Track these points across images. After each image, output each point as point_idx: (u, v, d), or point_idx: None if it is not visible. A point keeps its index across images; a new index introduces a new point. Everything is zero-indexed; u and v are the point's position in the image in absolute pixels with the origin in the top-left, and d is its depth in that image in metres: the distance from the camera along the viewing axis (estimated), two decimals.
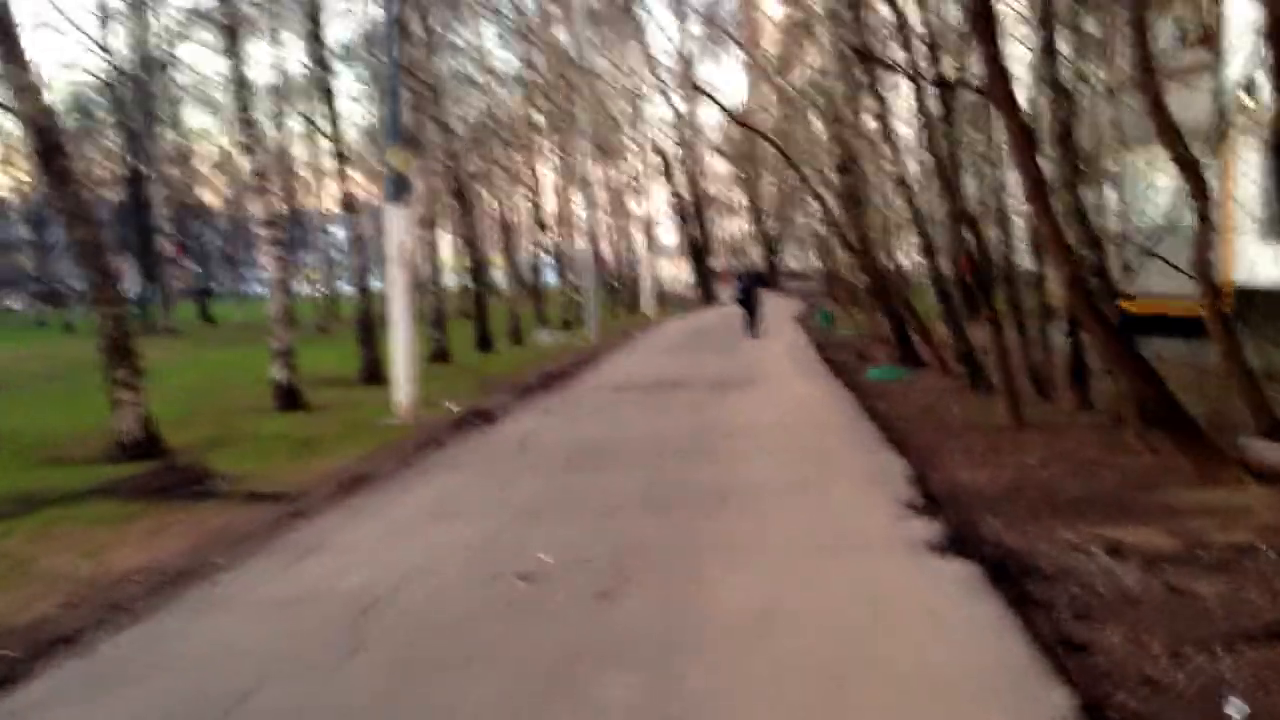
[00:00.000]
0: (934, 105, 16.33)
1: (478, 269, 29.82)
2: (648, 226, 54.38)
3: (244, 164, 17.42)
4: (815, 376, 20.90)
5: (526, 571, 7.59)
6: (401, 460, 12.61)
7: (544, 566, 7.75)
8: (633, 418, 15.56)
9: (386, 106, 15.97)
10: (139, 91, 41.69)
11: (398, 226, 15.73)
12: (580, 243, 36.36)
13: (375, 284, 22.60)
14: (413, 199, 17.42)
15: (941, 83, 15.55)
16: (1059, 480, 10.42)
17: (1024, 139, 10.52)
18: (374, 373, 21.10)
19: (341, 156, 22.43)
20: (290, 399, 17.24)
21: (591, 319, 33.17)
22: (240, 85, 17.12)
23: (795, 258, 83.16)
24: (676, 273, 79.38)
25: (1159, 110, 10.21)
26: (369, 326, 21.36)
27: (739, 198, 76.39)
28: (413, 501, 10.40)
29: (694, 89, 55.07)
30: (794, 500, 9.81)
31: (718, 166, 72.25)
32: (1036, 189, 10.60)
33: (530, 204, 38.87)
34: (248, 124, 17.43)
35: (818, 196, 24.09)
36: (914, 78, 16.12)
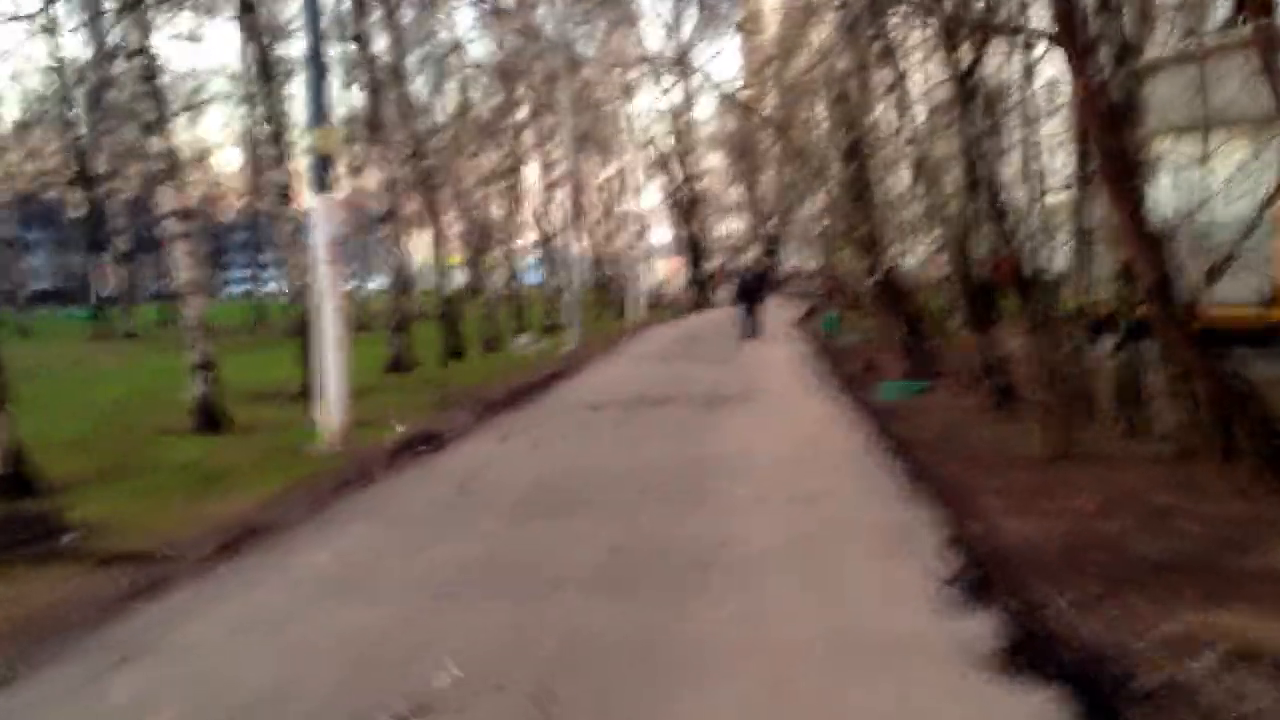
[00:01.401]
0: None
1: (444, 271, 27.42)
2: (639, 225, 51.99)
3: (152, 144, 14.97)
4: (819, 392, 18.52)
5: (417, 703, 5.25)
6: (313, 503, 10.25)
7: (441, 693, 5.40)
8: (605, 447, 13.17)
9: (309, 79, 13.59)
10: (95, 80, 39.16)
11: (325, 219, 13.38)
12: (564, 242, 33.76)
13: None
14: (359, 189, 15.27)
15: (985, 28, 12.84)
16: (1130, 535, 8.28)
17: (1100, 103, 8.20)
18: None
19: (278, 138, 19.96)
20: (209, 419, 14.91)
21: (574, 324, 30.70)
22: (141, 53, 14.73)
23: (794, 258, 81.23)
24: (670, 273, 77.34)
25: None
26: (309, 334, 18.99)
27: (736, 195, 74.44)
28: (304, 568, 8.03)
29: (684, 66, 52.73)
30: (798, 575, 7.45)
31: (714, 163, 70.18)
32: (1115, 168, 8.26)
33: (511, 199, 36.33)
34: (153, 96, 15.12)
35: (824, 188, 21.52)
36: (947, 25, 13.29)
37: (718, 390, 18.55)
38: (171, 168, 15.35)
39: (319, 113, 13.50)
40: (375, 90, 23.01)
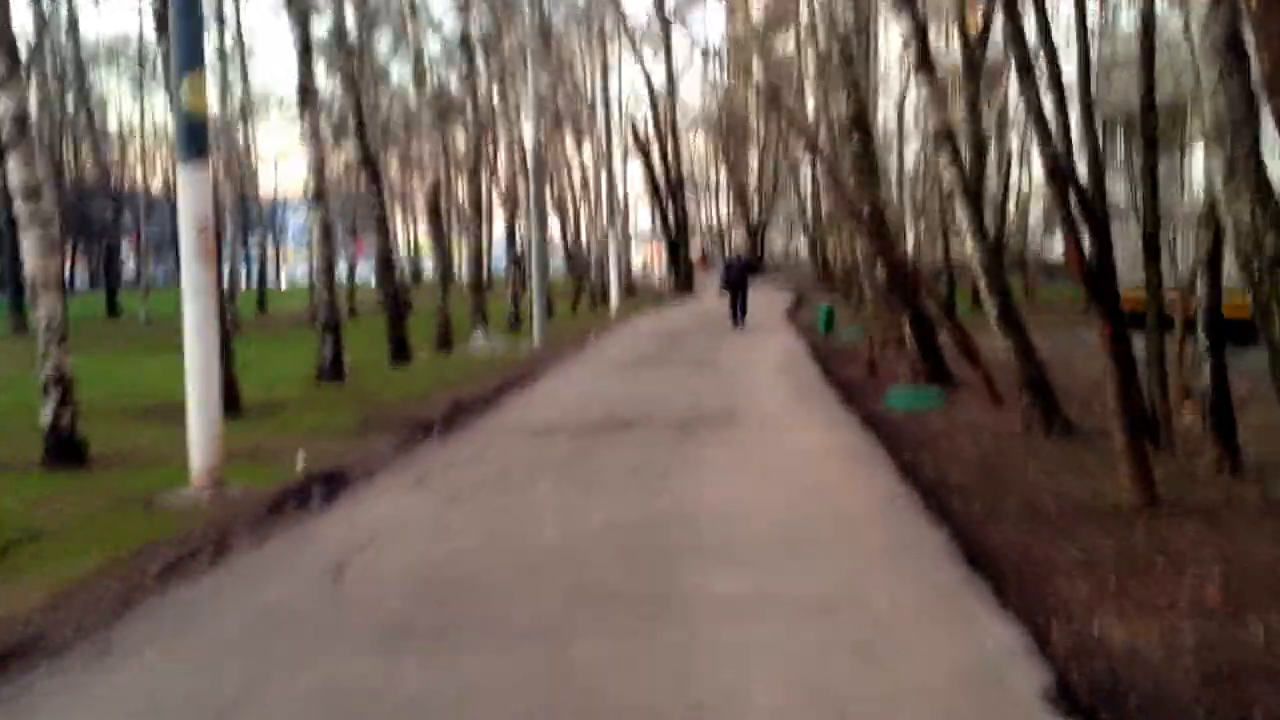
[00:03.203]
0: None
1: (387, 258, 24.11)
2: (615, 209, 48.89)
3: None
4: (821, 407, 15.47)
5: None
6: (118, 603, 7.09)
7: None
8: (542, 501, 9.87)
9: (174, 6, 10.36)
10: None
11: (194, 196, 10.22)
12: (530, 227, 30.48)
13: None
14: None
15: None
16: None
17: None
18: (229, 398, 15.65)
19: None
20: (62, 449, 11.76)
21: (538, 320, 27.45)
22: None
23: (782, 244, 78.94)
24: (651, 260, 74.65)
25: None
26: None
27: (720, 178, 71.97)
28: None
29: (666, 35, 49.66)
30: None
31: (697, 145, 67.48)
32: None
33: (476, 181, 32.99)
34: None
35: (825, 165, 18.36)
36: None
37: (697, 407, 15.45)
38: (20, 132, 12.13)
39: (188, 55, 10.30)
40: (306, 49, 19.77)
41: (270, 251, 75.95)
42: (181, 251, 10.28)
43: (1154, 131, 11.01)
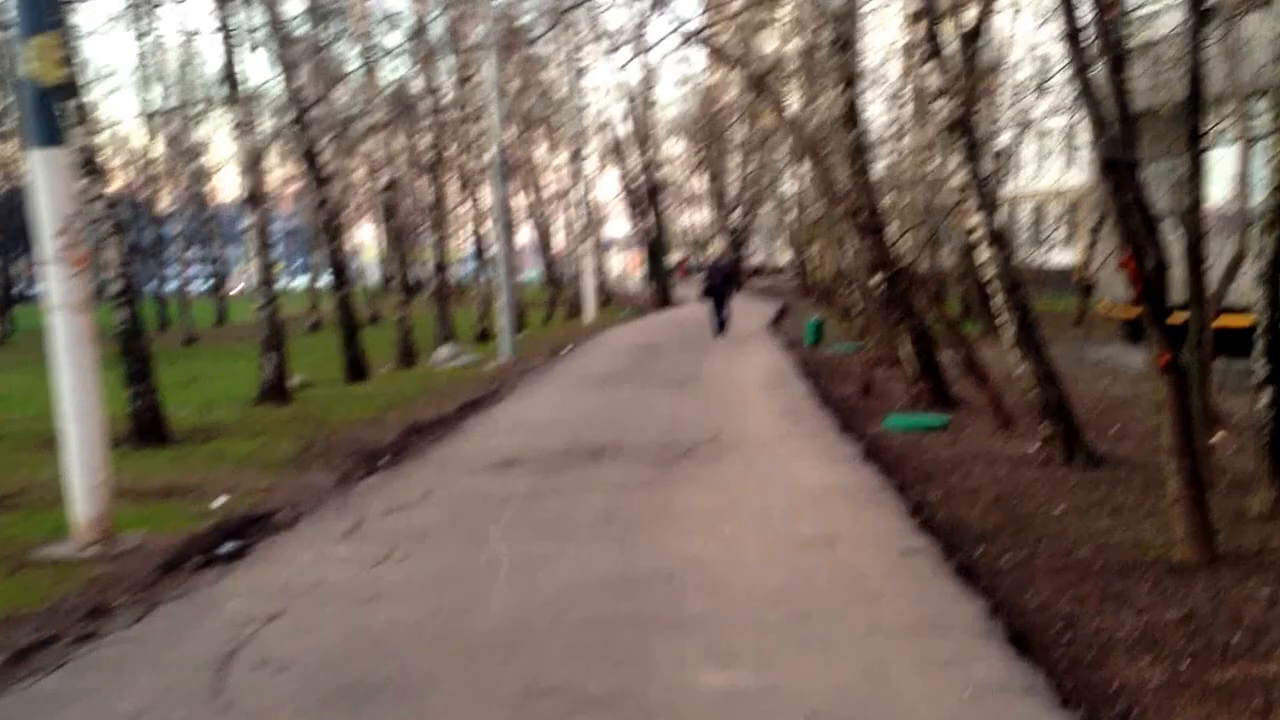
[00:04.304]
0: None
1: (340, 268, 22.41)
2: (590, 216, 47.25)
3: None
4: (815, 433, 13.83)
5: None
6: None
7: None
8: (496, 558, 8.11)
9: None
10: None
11: (52, 191, 8.54)
12: (496, 235, 28.73)
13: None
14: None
15: None
16: None
17: None
18: (152, 425, 14.03)
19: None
20: None
21: (506, 333, 25.72)
22: None
23: (762, 251, 77.59)
24: (627, 268, 73.09)
25: None
26: (137, 353, 14.17)
27: (699, 185, 70.28)
28: None
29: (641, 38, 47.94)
30: None
31: (675, 150, 65.80)
32: None
33: (438, 185, 31.25)
34: None
35: (814, 161, 16.71)
36: None
37: (678, 432, 13.81)
38: None
39: (37, 13, 8.60)
40: (226, 31, 18.01)
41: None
42: (41, 258, 8.58)
43: (1198, 129, 9.51)
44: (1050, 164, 39.51)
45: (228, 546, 8.48)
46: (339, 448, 13.35)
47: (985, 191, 12.38)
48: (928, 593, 7.02)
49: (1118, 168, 7.61)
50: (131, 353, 14.12)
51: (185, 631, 6.64)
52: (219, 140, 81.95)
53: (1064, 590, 6.94)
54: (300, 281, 58.67)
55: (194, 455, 13.05)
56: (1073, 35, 7.70)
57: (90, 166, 13.89)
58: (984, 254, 12.15)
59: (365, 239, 64.84)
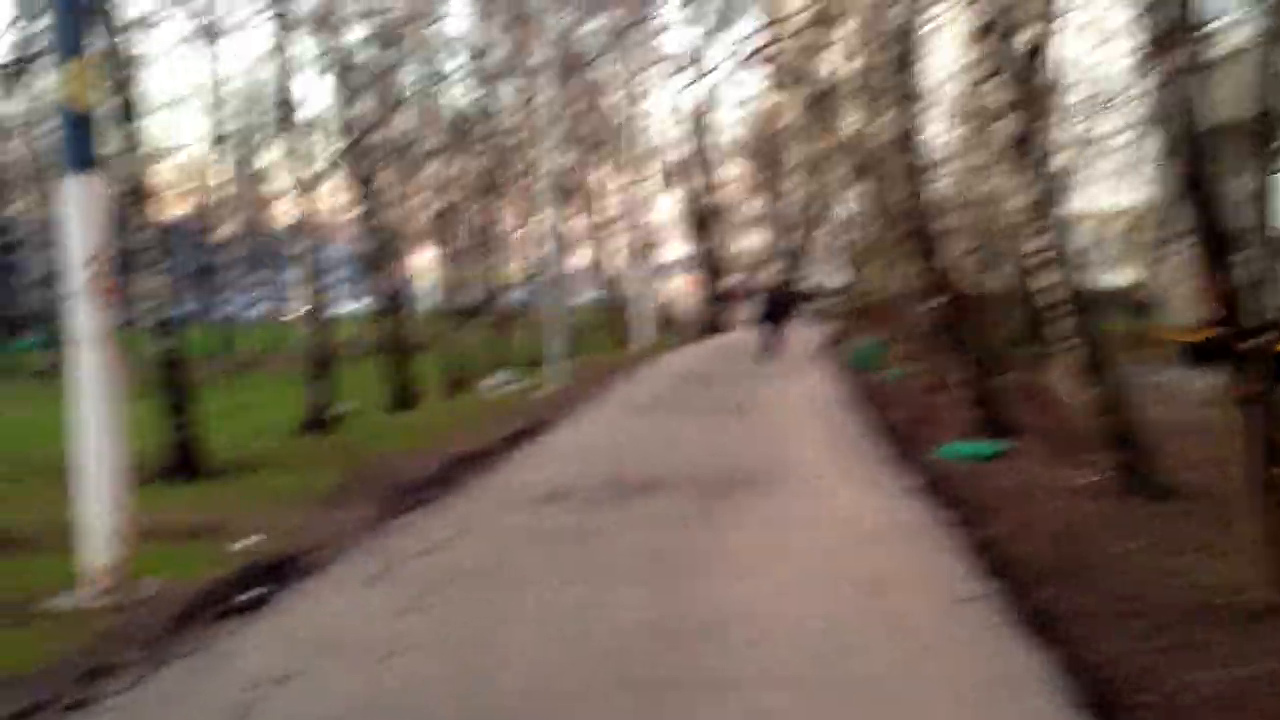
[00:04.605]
0: None
1: (389, 294, 22.16)
2: (648, 238, 46.88)
3: None
4: (869, 464, 13.34)
5: None
6: None
7: None
8: (533, 605, 7.66)
9: None
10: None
11: (82, 219, 8.20)
12: (551, 259, 28.43)
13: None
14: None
15: None
16: None
17: None
18: (189, 458, 13.72)
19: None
20: None
21: (558, 359, 25.34)
22: None
23: (817, 275, 76.95)
24: (683, 293, 72.59)
25: None
26: (177, 383, 13.87)
27: (757, 208, 69.90)
28: None
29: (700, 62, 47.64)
30: None
31: (733, 173, 65.45)
32: None
33: (493, 209, 30.96)
34: None
35: (875, 183, 16.21)
36: None
37: (730, 463, 13.35)
38: None
39: (71, 38, 8.28)
40: (281, 57, 17.84)
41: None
42: (67, 287, 8.24)
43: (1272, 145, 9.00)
44: (1107, 184, 38.75)
45: (250, 594, 8.05)
46: (378, 480, 12.97)
47: (1050, 211, 11.86)
48: (991, 645, 6.51)
49: (1199, 185, 7.11)
50: (171, 383, 13.81)
51: (187, 696, 6.23)
52: (279, 167, 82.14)
53: (1139, 640, 6.46)
54: (358, 306, 58.66)
55: (229, 490, 12.71)
56: (1154, 45, 7.22)
57: (137, 194, 13.67)
58: (1048, 276, 11.60)
59: (423, 264, 64.87)
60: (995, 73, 12.13)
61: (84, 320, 8.13)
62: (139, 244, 13.62)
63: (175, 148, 53.46)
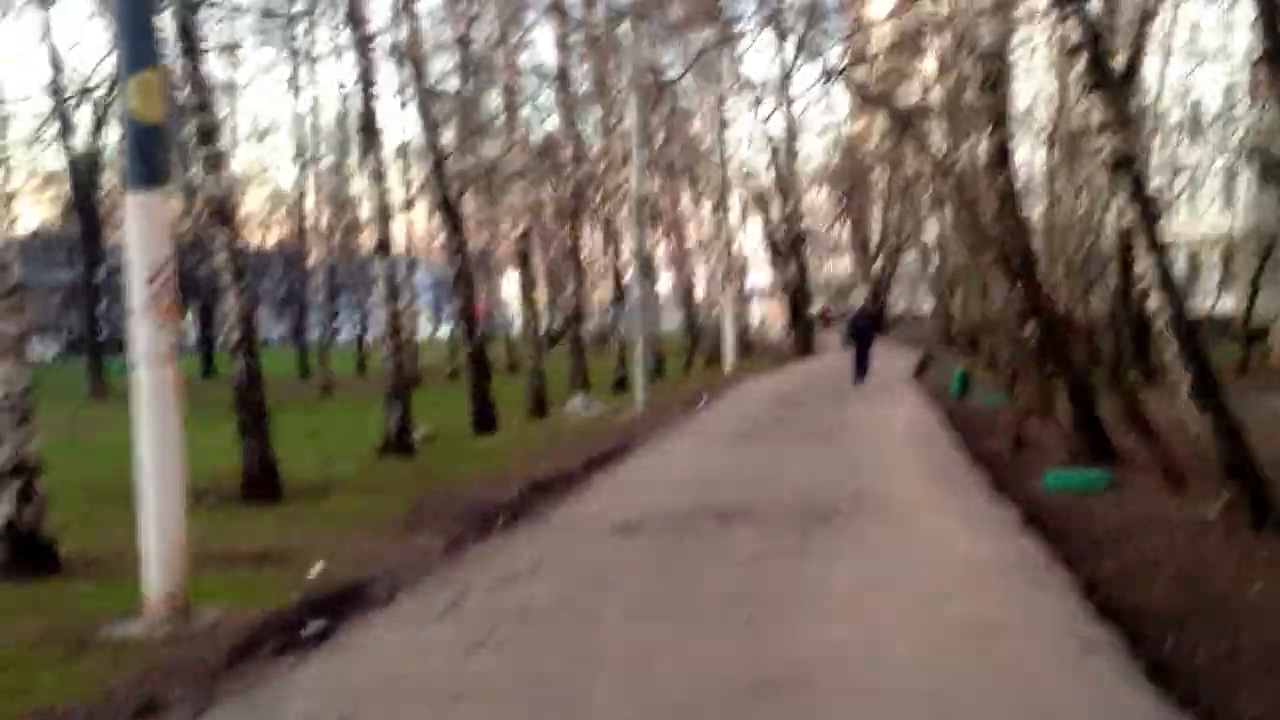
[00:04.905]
0: None
1: (470, 320, 21.78)
2: (732, 264, 46.28)
3: None
4: (965, 494, 12.71)
5: None
6: None
7: None
8: (605, 648, 7.11)
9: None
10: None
11: (147, 234, 7.84)
12: (637, 282, 27.98)
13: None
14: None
15: None
16: None
17: None
18: (263, 480, 13.35)
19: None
20: (25, 553, 9.43)
21: (640, 382, 24.80)
22: None
23: (905, 301, 76.23)
24: (770, 317, 71.93)
25: None
26: (254, 404, 13.55)
27: (841, 234, 69.34)
28: None
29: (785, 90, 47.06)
30: None
31: (817, 200, 64.81)
32: None
33: (572, 232, 30.49)
34: None
35: (966, 206, 15.56)
36: None
37: (815, 494, 12.73)
38: None
39: (137, 50, 7.94)
40: (369, 82, 17.58)
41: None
42: (131, 304, 7.85)
43: None
44: (1203, 209, 37.80)
45: (312, 627, 7.62)
46: (454, 507, 12.53)
47: (1154, 232, 11.18)
48: (1117, 703, 5.90)
49: None
50: (247, 404, 13.51)
51: None
52: (365, 193, 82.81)
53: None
54: (445, 330, 58.49)
55: (302, 514, 12.34)
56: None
57: (221, 214, 13.43)
58: (1155, 300, 10.92)
59: (509, 287, 64.80)
60: (1095, 87, 11.48)
61: (144, 339, 7.75)
62: (221, 265, 13.38)
63: (263, 172, 54.20)
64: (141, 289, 7.71)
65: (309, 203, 47.09)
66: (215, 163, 13.39)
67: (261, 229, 60.96)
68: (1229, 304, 33.89)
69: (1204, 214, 37.30)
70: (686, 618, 7.73)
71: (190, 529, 8.63)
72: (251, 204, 59.01)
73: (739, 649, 6.94)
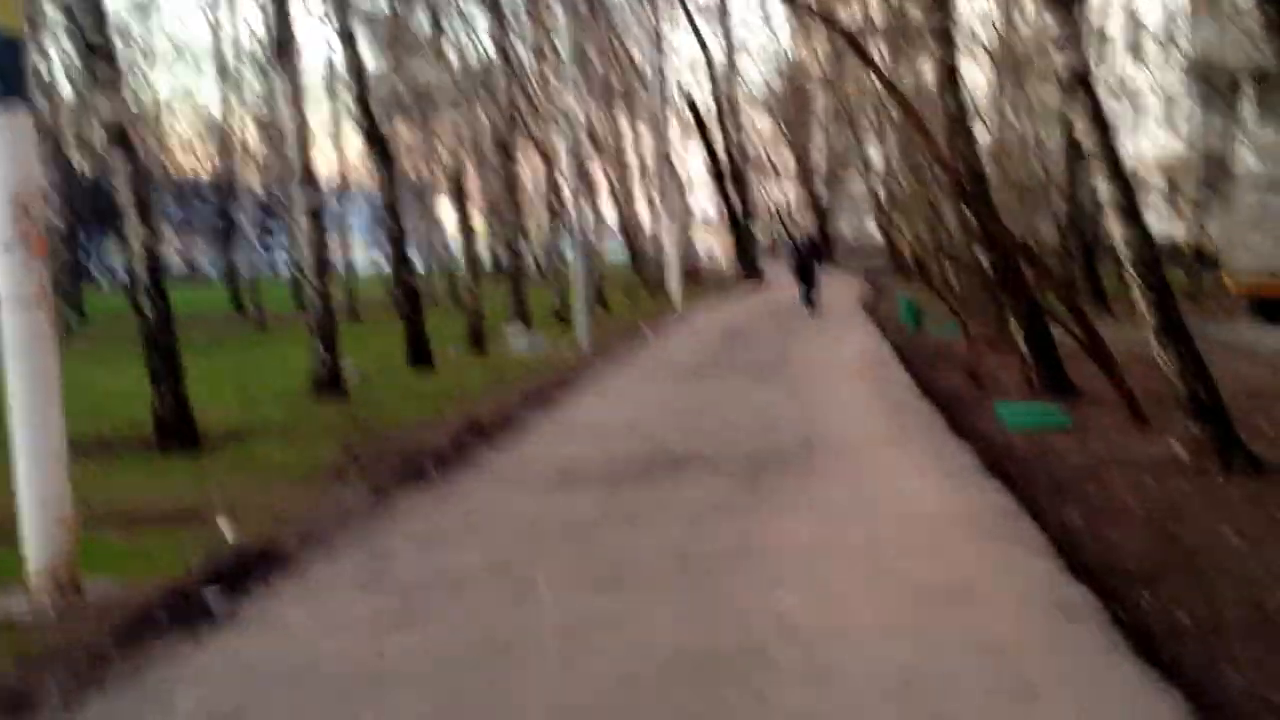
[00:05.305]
0: None
1: (399, 246, 20.85)
2: (673, 190, 45.41)
3: None
4: (923, 433, 12.07)
5: None
6: None
7: None
8: (539, 621, 6.42)
9: None
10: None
11: (10, 158, 6.89)
12: (571, 212, 27.10)
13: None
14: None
15: None
16: None
17: None
18: (178, 427, 12.53)
19: None
20: None
21: (582, 316, 24.02)
22: None
23: (850, 228, 75.93)
24: (714, 245, 71.36)
25: None
26: (165, 347, 12.70)
27: (784, 160, 68.65)
28: None
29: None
30: None
31: (760, 124, 64.08)
32: None
33: (505, 159, 29.45)
34: None
35: (919, 129, 14.79)
36: None
37: (768, 434, 12.11)
38: None
39: None
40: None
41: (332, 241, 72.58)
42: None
43: None
44: (1148, 130, 37.41)
45: (214, 600, 6.90)
46: (384, 453, 11.82)
47: (1116, 157, 10.56)
48: (1100, 677, 5.30)
49: None
50: (157, 346, 12.62)
51: None
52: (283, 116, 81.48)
53: (1271, 664, 5.28)
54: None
55: (219, 464, 11.58)
56: None
57: (121, 139, 12.51)
58: (1118, 230, 10.31)
59: (450, 219, 63.83)
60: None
61: (10, 278, 6.85)
62: (122, 195, 12.47)
63: (188, 96, 52.75)
64: (4, 222, 6.83)
65: (239, 129, 46.08)
66: (112, 83, 12.43)
67: (189, 155, 59.46)
68: (1176, 229, 33.53)
69: (1146, 136, 36.93)
70: (627, 583, 7.06)
71: (94, 484, 7.91)
72: (184, 131, 57.72)
73: (684, 620, 6.29)
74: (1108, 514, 8.25)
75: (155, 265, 12.83)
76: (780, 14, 54.62)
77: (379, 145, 20.44)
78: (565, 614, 6.48)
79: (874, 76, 18.11)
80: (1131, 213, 10.22)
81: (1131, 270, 10.09)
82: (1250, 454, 9.45)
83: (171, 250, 71.17)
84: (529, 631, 6.22)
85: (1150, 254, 10.18)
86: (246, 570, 7.47)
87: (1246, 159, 19.91)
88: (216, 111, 47.60)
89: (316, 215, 17.05)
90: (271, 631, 6.45)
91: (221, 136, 47.75)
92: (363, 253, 59.73)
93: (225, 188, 49.95)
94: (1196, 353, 9.83)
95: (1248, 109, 23.21)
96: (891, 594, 6.61)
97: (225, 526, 8.70)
